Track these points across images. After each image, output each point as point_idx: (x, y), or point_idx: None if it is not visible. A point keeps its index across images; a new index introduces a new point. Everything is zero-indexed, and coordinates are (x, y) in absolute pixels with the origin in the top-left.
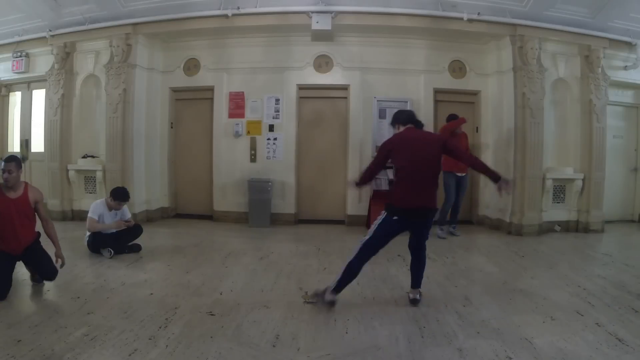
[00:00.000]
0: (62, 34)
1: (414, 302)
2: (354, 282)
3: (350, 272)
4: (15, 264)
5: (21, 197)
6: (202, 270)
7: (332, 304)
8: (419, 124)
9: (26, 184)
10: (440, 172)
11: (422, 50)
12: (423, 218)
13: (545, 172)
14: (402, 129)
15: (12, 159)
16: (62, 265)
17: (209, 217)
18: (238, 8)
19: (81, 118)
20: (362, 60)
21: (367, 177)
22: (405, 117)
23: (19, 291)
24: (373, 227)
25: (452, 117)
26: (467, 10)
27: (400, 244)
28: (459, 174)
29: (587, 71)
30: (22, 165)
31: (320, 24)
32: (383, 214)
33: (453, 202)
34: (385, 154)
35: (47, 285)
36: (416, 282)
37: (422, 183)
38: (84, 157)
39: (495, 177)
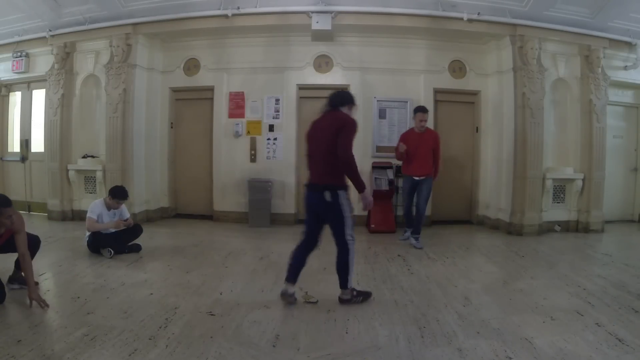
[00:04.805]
0: (62, 34)
1: (345, 301)
2: (355, 281)
3: (290, 258)
4: None
5: (4, 235)
6: (202, 270)
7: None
8: (343, 102)
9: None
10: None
11: (422, 50)
12: (311, 193)
13: (545, 172)
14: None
15: (9, 202)
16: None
17: (209, 217)
18: (238, 8)
19: (81, 118)
20: (362, 60)
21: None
22: (329, 100)
23: (18, 291)
24: None
25: (414, 110)
26: (467, 10)
27: (401, 245)
28: (415, 177)
29: (587, 71)
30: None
31: (320, 24)
32: None
33: (407, 207)
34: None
35: (47, 285)
36: (340, 281)
37: (312, 163)
38: (84, 157)
39: (359, 189)
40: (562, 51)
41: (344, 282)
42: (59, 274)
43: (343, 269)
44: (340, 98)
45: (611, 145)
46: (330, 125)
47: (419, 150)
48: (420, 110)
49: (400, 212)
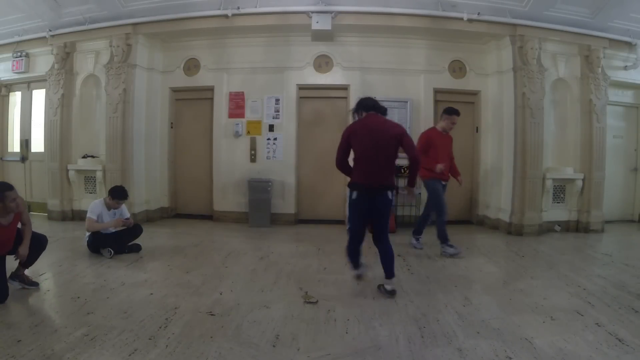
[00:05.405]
0: (62, 34)
1: (392, 293)
2: (355, 281)
3: (349, 255)
4: (4, 263)
5: (12, 223)
6: (202, 270)
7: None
8: (381, 111)
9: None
10: (395, 158)
11: (422, 50)
12: (376, 193)
13: (545, 172)
14: (364, 115)
15: (11, 186)
16: (17, 259)
17: (209, 217)
18: (238, 8)
19: (81, 118)
20: (362, 60)
21: (340, 166)
22: (367, 104)
23: (19, 291)
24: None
25: (448, 111)
26: (467, 10)
27: (400, 244)
28: (443, 182)
29: (587, 71)
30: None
31: (320, 24)
32: (348, 194)
33: (445, 214)
34: (345, 139)
35: (47, 285)
36: (388, 272)
37: (376, 166)
38: (84, 157)
39: (410, 184)
40: (562, 51)
41: (391, 271)
42: (59, 274)
43: (392, 259)
44: (383, 109)
45: (611, 145)
46: (392, 134)
47: (445, 153)
48: (456, 112)
49: (399, 212)
